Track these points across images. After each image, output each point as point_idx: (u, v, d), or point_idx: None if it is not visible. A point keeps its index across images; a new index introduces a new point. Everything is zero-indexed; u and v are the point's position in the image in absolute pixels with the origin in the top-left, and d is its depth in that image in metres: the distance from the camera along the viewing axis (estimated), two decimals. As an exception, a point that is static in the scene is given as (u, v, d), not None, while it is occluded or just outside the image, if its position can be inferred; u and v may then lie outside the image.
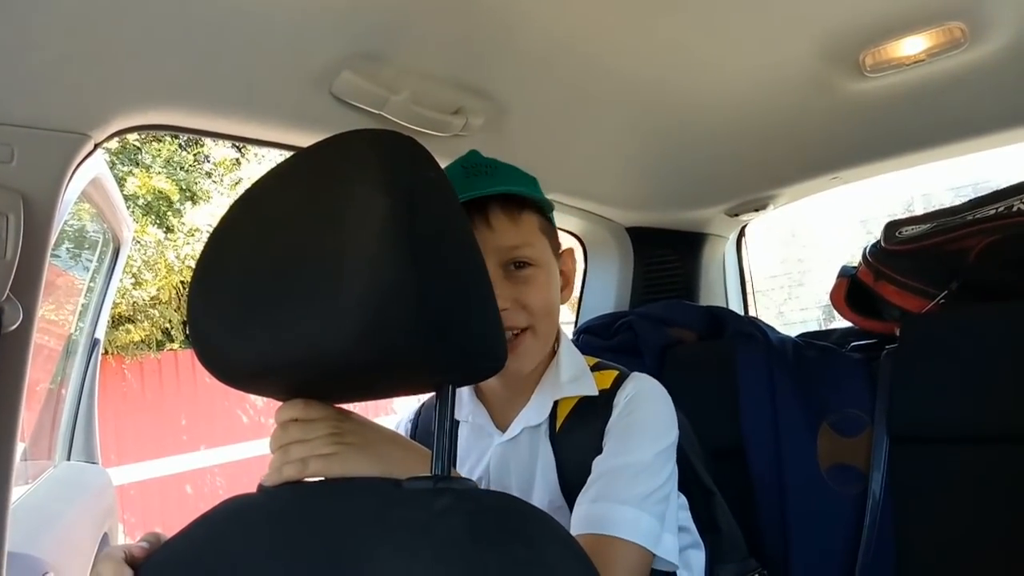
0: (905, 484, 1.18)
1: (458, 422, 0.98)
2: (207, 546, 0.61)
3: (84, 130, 0.83)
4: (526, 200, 0.90)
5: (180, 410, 5.89)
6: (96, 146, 0.87)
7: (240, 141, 1.03)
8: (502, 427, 0.95)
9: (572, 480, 0.87)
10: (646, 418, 0.88)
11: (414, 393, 0.72)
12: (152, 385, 5.88)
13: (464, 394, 0.98)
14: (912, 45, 1.24)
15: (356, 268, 0.54)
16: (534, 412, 0.92)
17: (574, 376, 0.93)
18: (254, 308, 0.60)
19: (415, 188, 0.57)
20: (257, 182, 0.66)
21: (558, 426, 0.92)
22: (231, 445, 5.68)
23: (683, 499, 0.97)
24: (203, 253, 0.66)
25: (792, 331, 1.61)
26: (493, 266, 0.85)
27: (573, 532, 0.80)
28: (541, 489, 0.91)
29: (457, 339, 0.58)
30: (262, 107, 0.99)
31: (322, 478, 0.67)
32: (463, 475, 0.98)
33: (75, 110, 0.82)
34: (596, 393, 0.91)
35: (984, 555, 1.11)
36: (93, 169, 1.38)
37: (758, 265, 2.26)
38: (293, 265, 0.58)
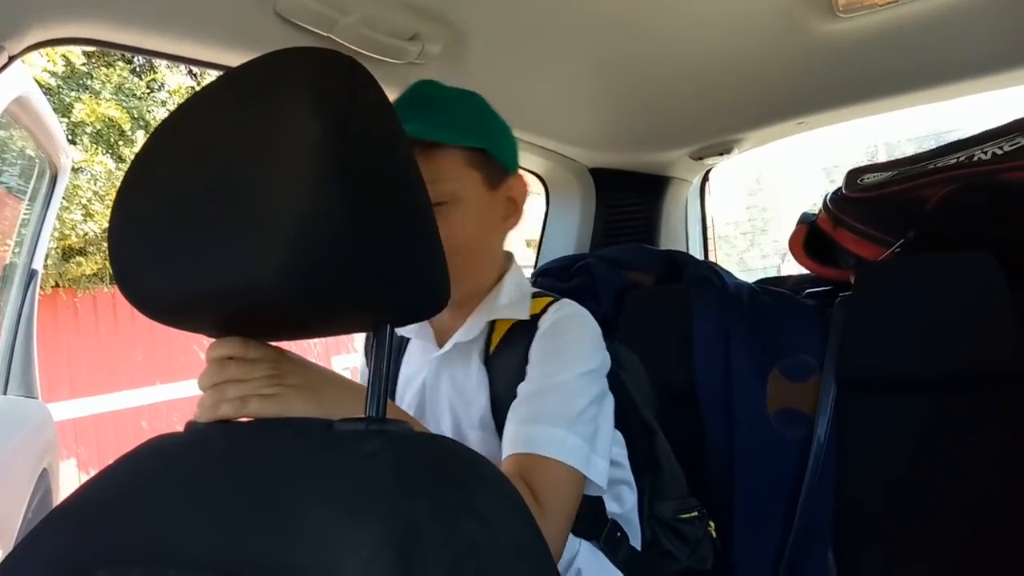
0: (849, 429, 1.20)
1: (409, 339, 1.03)
2: (127, 486, 0.58)
3: (-5, 39, 0.76)
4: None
5: (136, 345, 5.78)
6: (11, 59, 0.80)
7: (174, 60, 0.96)
8: (442, 344, 0.97)
9: (502, 401, 0.89)
10: (568, 341, 0.89)
11: (353, 332, 0.69)
12: (106, 319, 5.75)
13: None
14: (886, -15, 1.21)
15: (283, 197, 0.50)
16: (465, 330, 0.94)
17: (512, 301, 0.94)
18: (178, 238, 0.56)
19: (350, 112, 0.52)
20: (185, 102, 0.61)
21: (492, 348, 0.93)
22: (187, 381, 5.61)
23: (619, 436, 0.98)
24: (126, 177, 0.61)
25: (751, 278, 1.61)
26: None
27: (504, 453, 0.82)
28: (475, 410, 0.93)
29: (393, 275, 0.54)
30: (198, 23, 0.92)
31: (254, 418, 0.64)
32: (407, 388, 1.01)
33: (-16, 17, 0.75)
34: (527, 317, 0.91)
35: (923, 500, 1.14)
36: (16, 87, 1.28)
37: (720, 211, 2.26)
38: (220, 192, 0.54)
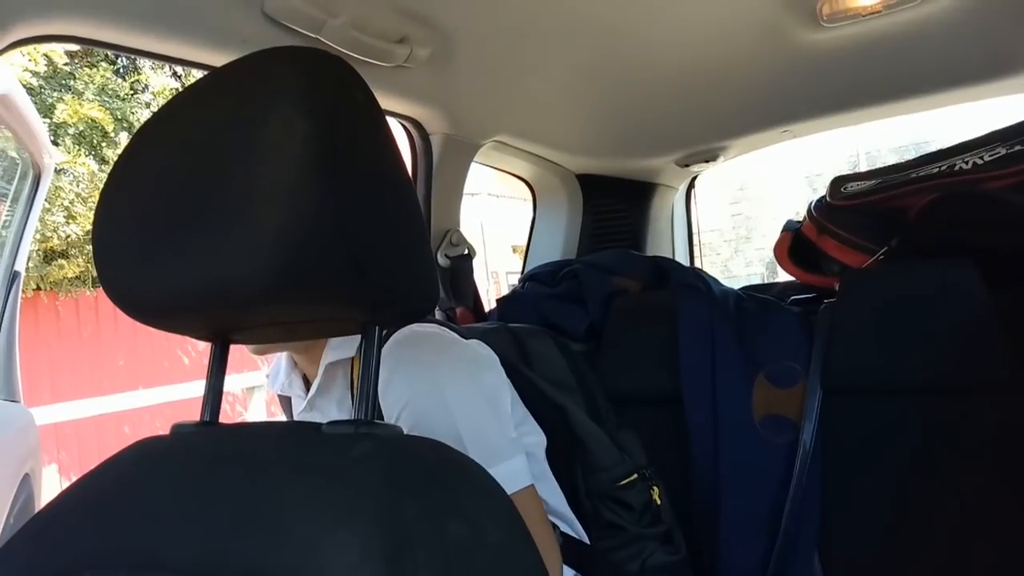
0: (835, 435, 1.21)
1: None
2: (111, 490, 0.57)
3: (-22, 37, 0.75)
4: None
5: (118, 349, 5.71)
6: (-6, 56, 0.79)
7: (159, 59, 0.95)
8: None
9: None
10: None
11: (341, 334, 0.68)
12: (89, 323, 5.68)
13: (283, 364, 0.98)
14: (870, -5, 1.23)
15: (270, 197, 0.49)
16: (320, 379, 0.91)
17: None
18: (162, 239, 0.55)
19: (339, 110, 0.52)
20: (170, 101, 0.60)
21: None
22: (171, 386, 5.54)
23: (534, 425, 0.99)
24: (109, 177, 0.60)
25: (736, 285, 1.62)
26: None
27: None
28: None
29: (382, 277, 0.54)
30: (184, 21, 0.91)
31: (237, 421, 0.64)
32: None
33: (-33, 14, 0.74)
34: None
35: (908, 506, 1.15)
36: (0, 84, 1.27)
37: (704, 219, 2.27)
38: (205, 193, 0.53)
